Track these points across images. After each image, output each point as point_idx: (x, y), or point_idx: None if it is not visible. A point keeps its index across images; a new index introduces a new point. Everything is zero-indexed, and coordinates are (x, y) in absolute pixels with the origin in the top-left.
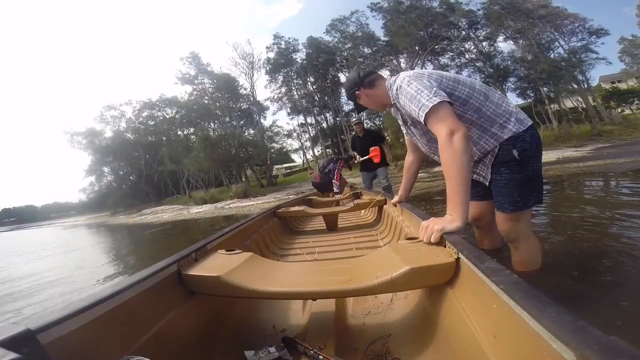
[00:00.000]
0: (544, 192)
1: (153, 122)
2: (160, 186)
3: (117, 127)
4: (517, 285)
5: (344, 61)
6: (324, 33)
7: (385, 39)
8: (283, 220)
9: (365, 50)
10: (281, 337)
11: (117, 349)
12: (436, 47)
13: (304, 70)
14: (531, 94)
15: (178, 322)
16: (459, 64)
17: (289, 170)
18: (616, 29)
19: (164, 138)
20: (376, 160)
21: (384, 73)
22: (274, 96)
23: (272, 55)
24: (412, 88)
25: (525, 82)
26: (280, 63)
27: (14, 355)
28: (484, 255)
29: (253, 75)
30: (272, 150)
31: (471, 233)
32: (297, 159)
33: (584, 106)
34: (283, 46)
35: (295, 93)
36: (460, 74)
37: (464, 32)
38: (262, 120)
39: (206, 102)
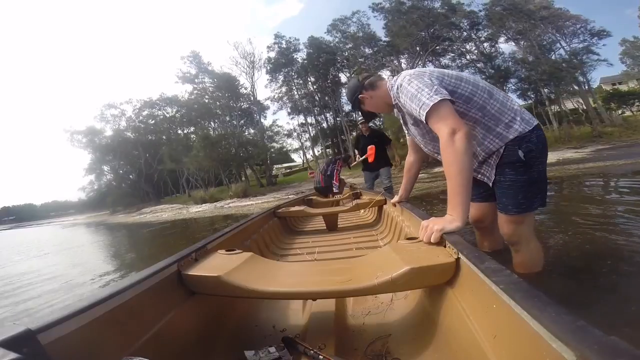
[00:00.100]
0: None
1: (153, 121)
2: (159, 185)
3: (117, 126)
4: (517, 285)
5: (345, 61)
6: (325, 33)
7: (387, 39)
8: (283, 220)
9: (366, 50)
10: (281, 337)
11: (117, 349)
12: (437, 47)
13: (304, 70)
14: (532, 95)
15: (178, 322)
16: (459, 65)
17: (288, 170)
18: (618, 31)
19: (164, 137)
20: (370, 159)
21: (385, 73)
22: (274, 96)
23: (272, 54)
24: (412, 86)
25: (526, 83)
26: (281, 63)
27: (14, 355)
28: (484, 255)
29: (254, 74)
30: (272, 150)
31: (468, 231)
32: (297, 158)
33: (585, 108)
34: (284, 46)
35: (295, 93)
36: None
37: (465, 33)
38: (262, 120)
39: (206, 101)
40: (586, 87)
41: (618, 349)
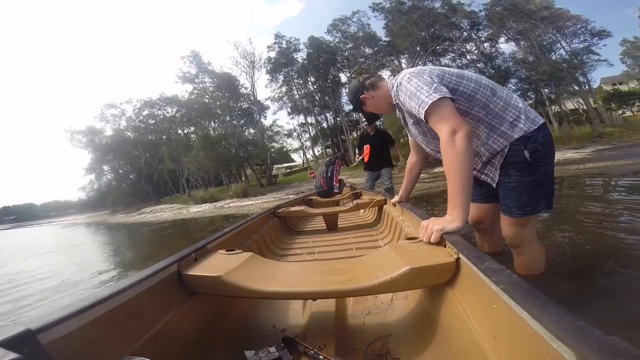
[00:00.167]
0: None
1: (153, 121)
2: (159, 185)
3: (118, 126)
4: (517, 285)
5: (345, 61)
6: (325, 33)
7: (387, 39)
8: (283, 220)
9: (367, 50)
10: (281, 337)
11: (117, 349)
12: (437, 47)
13: (304, 70)
14: (532, 96)
15: (178, 322)
16: (460, 65)
17: (288, 170)
18: (618, 31)
19: (164, 137)
20: (365, 159)
21: (385, 73)
22: (274, 96)
23: (273, 54)
24: (411, 85)
25: (527, 83)
26: (281, 62)
27: (14, 355)
28: (484, 255)
29: (254, 74)
30: (272, 150)
31: (468, 231)
32: (297, 158)
33: (585, 108)
34: (284, 46)
35: (295, 93)
36: None
37: (465, 33)
38: (262, 120)
39: (207, 101)
40: (586, 87)
41: (618, 349)
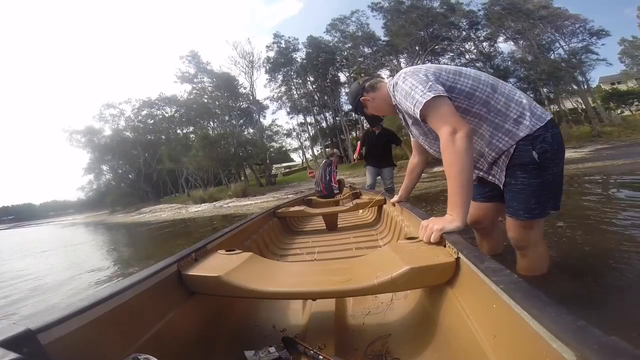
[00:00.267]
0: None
1: (152, 121)
2: (159, 185)
3: (116, 126)
4: (517, 285)
5: (344, 61)
6: (324, 32)
7: (386, 38)
8: (283, 220)
9: (366, 50)
10: (281, 337)
11: (117, 349)
12: (436, 47)
13: (303, 70)
14: (531, 95)
15: (178, 322)
16: (459, 65)
17: (288, 170)
18: (617, 30)
19: (163, 137)
20: (355, 154)
21: (384, 73)
22: (273, 95)
23: (272, 54)
24: (406, 84)
25: (525, 82)
26: (280, 62)
27: (14, 355)
28: (484, 255)
29: (253, 74)
30: (272, 150)
31: (468, 230)
32: (297, 158)
33: (584, 107)
34: (283, 45)
35: (294, 92)
36: None
37: (464, 33)
38: (261, 120)
39: (205, 100)
40: (585, 86)
41: (618, 349)
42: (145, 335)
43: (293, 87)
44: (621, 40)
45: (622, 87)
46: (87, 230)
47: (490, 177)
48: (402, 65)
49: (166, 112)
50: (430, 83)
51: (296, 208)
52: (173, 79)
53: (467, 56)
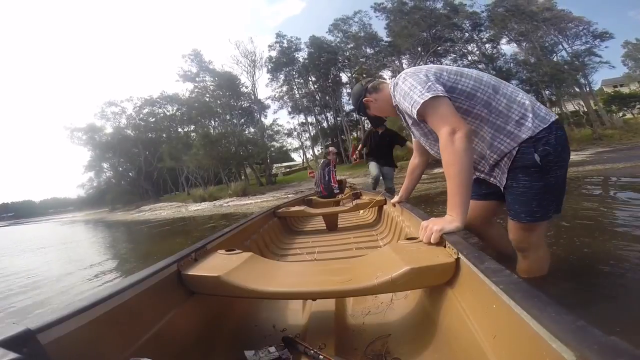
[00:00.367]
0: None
1: (153, 119)
2: (159, 183)
3: (118, 124)
4: (517, 285)
5: (346, 61)
6: (327, 33)
7: (388, 39)
8: (283, 220)
9: (368, 50)
10: (281, 337)
11: (117, 349)
12: (439, 48)
13: (305, 70)
14: (533, 97)
15: (178, 322)
16: (461, 66)
17: (288, 169)
18: (620, 33)
19: (164, 135)
20: (352, 155)
21: (386, 74)
22: (275, 95)
23: (274, 54)
24: (406, 85)
25: (528, 85)
26: (282, 62)
27: (14, 355)
28: (484, 255)
29: (254, 73)
30: (272, 149)
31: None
32: (297, 158)
33: (586, 110)
34: (285, 45)
35: (296, 92)
36: None
37: (467, 34)
38: (262, 119)
39: (207, 99)
40: (587, 89)
41: (618, 349)
42: (145, 335)
43: (295, 87)
44: (625, 43)
45: (625, 89)
46: (86, 227)
47: (492, 179)
48: (404, 66)
49: (167, 111)
50: (429, 83)
51: (296, 208)
52: (175, 78)
53: (469, 58)
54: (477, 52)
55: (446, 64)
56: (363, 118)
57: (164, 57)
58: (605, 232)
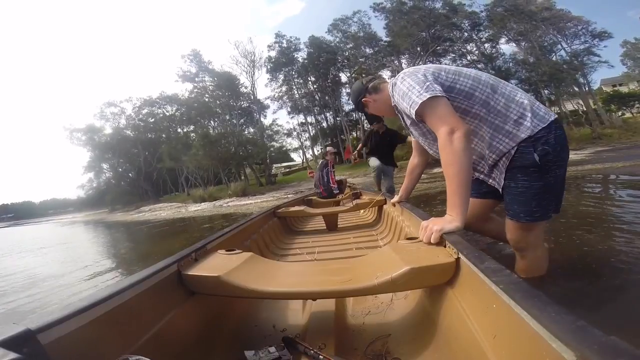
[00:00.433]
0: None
1: (153, 120)
2: (158, 183)
3: (117, 124)
4: (517, 285)
5: (345, 61)
6: (326, 32)
7: (387, 39)
8: (283, 220)
9: (367, 50)
10: (281, 337)
11: (117, 349)
12: (438, 48)
13: (305, 70)
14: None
15: (178, 322)
16: (460, 66)
17: (288, 170)
18: (619, 32)
19: (163, 135)
20: (347, 155)
21: (385, 74)
22: (274, 95)
23: (273, 54)
24: (404, 85)
25: (527, 84)
26: (282, 62)
27: (14, 355)
28: (484, 255)
29: (254, 73)
30: (272, 149)
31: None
32: (297, 158)
33: (585, 109)
34: (284, 45)
35: (295, 92)
36: None
37: (466, 34)
38: (262, 119)
39: (206, 100)
40: (586, 88)
41: (618, 349)
42: (145, 335)
43: (294, 87)
44: (623, 43)
45: (624, 89)
46: (86, 228)
47: (490, 181)
48: (404, 65)
49: (167, 111)
50: (427, 83)
51: (296, 208)
52: (174, 78)
53: (468, 57)
54: (476, 52)
55: (445, 64)
56: (362, 118)
57: (164, 57)
58: (605, 231)
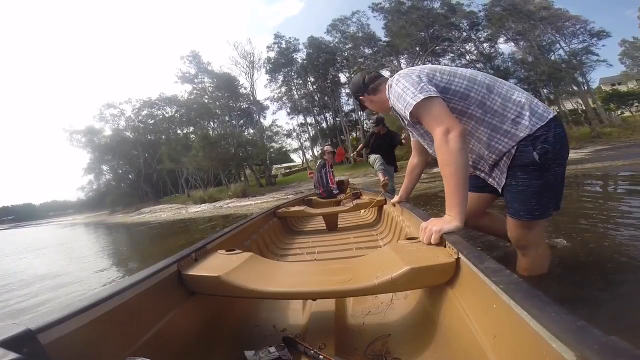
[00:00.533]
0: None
1: (152, 121)
2: (159, 185)
3: (117, 126)
4: (517, 285)
5: (345, 61)
6: (325, 33)
7: (386, 39)
8: (283, 220)
9: (366, 50)
10: (281, 337)
11: (117, 349)
12: (437, 48)
13: (304, 70)
14: None
15: (178, 322)
16: (459, 65)
17: (288, 170)
18: (617, 31)
19: (163, 137)
20: (338, 158)
21: (385, 74)
22: (273, 96)
23: (272, 54)
24: (399, 86)
25: (525, 83)
26: (281, 63)
27: (14, 355)
28: (484, 255)
29: (253, 74)
30: (272, 150)
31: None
32: (297, 158)
33: (584, 108)
34: (284, 46)
35: (295, 93)
36: None
37: (464, 34)
38: (261, 120)
39: (206, 101)
40: (585, 87)
41: (618, 349)
42: (145, 335)
43: (293, 88)
44: (622, 42)
45: (623, 88)
46: (86, 230)
47: (490, 180)
48: (403, 65)
49: (166, 112)
50: (422, 84)
51: (296, 208)
52: (173, 79)
53: (467, 57)
54: (475, 52)
55: (444, 64)
56: (362, 118)
57: (163, 58)
58: (606, 230)
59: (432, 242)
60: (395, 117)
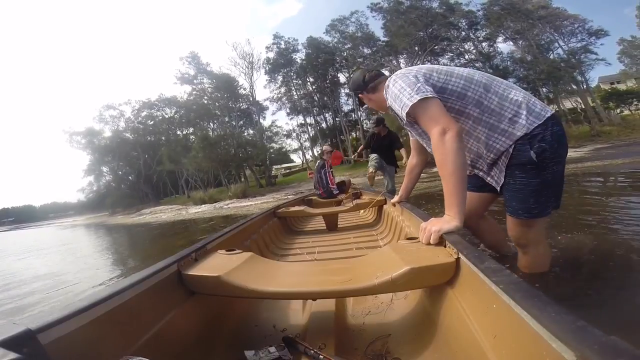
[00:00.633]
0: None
1: (152, 122)
2: (159, 186)
3: (116, 127)
4: (517, 285)
5: (344, 61)
6: (324, 33)
7: (385, 39)
8: (283, 220)
9: (365, 50)
10: (281, 337)
11: (117, 349)
12: (436, 47)
13: (303, 71)
14: None
15: (178, 322)
16: (458, 65)
17: (288, 171)
18: (616, 30)
19: (162, 138)
20: (335, 162)
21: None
22: (273, 96)
23: (271, 55)
24: (396, 87)
25: (525, 82)
26: (280, 63)
27: (14, 355)
28: (484, 255)
29: (252, 75)
30: (271, 151)
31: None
32: (297, 159)
33: (583, 107)
34: (283, 46)
35: (294, 93)
36: None
37: (463, 33)
38: (261, 121)
39: (205, 102)
40: (584, 86)
41: (618, 349)
42: (145, 335)
43: (293, 88)
44: (620, 40)
45: (622, 86)
46: (87, 231)
47: (489, 179)
48: (402, 65)
49: (166, 114)
50: (419, 85)
51: (296, 208)
52: (173, 80)
53: (466, 56)
54: (474, 51)
55: (443, 63)
56: (362, 118)
57: (162, 59)
58: (607, 228)
59: (432, 242)
60: (394, 116)
